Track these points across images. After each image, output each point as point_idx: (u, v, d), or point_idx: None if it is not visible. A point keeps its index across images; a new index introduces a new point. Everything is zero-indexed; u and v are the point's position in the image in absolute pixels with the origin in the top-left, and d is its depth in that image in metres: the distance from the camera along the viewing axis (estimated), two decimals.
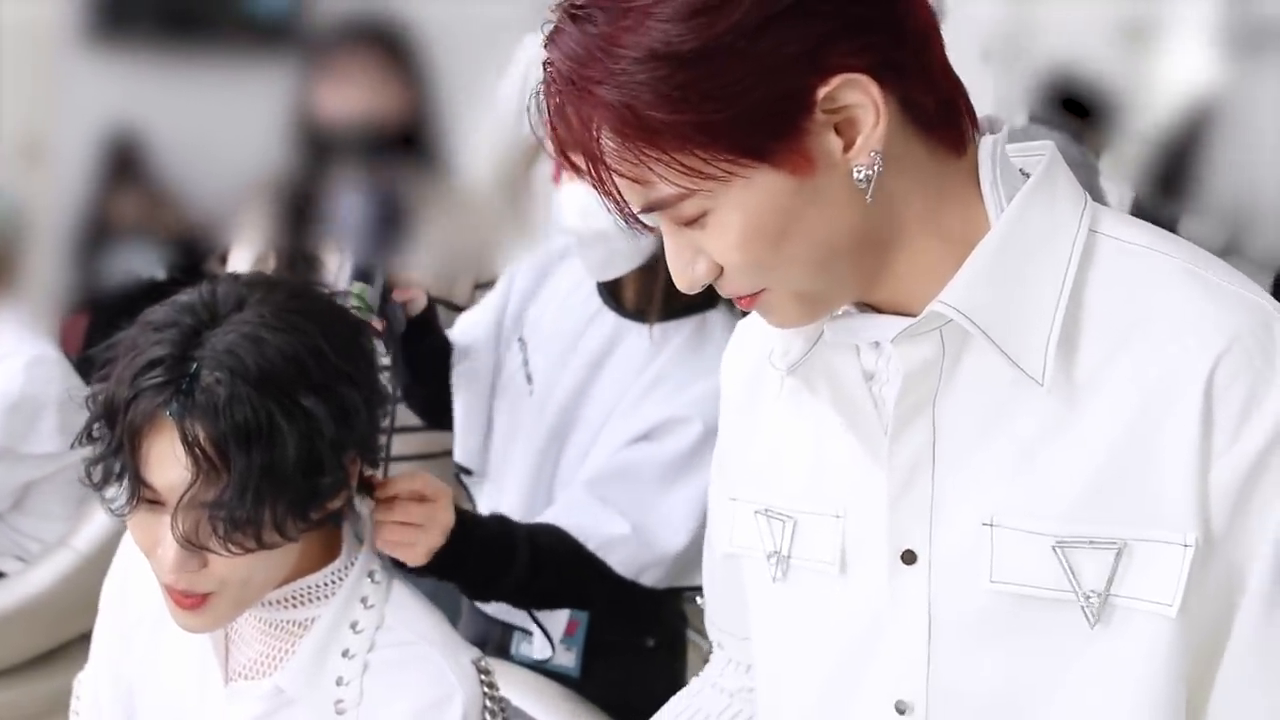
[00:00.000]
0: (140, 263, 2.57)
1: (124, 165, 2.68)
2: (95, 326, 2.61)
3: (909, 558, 0.99)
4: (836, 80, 0.91)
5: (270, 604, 1.28)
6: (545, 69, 0.92)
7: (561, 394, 1.66)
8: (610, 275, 1.62)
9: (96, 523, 2.28)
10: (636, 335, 1.63)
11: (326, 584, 1.28)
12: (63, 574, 2.26)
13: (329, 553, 1.29)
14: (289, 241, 1.94)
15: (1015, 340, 0.97)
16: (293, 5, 2.81)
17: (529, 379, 1.68)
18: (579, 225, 1.59)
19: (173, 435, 1.15)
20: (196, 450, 1.14)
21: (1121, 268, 0.98)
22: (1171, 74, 2.76)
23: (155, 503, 1.18)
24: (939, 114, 0.97)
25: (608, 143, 0.92)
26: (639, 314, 1.63)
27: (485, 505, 1.75)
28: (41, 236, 2.41)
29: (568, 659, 1.77)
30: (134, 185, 2.67)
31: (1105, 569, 0.95)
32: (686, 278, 0.95)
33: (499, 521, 1.58)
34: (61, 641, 2.28)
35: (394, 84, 1.89)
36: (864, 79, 0.91)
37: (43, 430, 2.29)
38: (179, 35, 2.95)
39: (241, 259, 2.01)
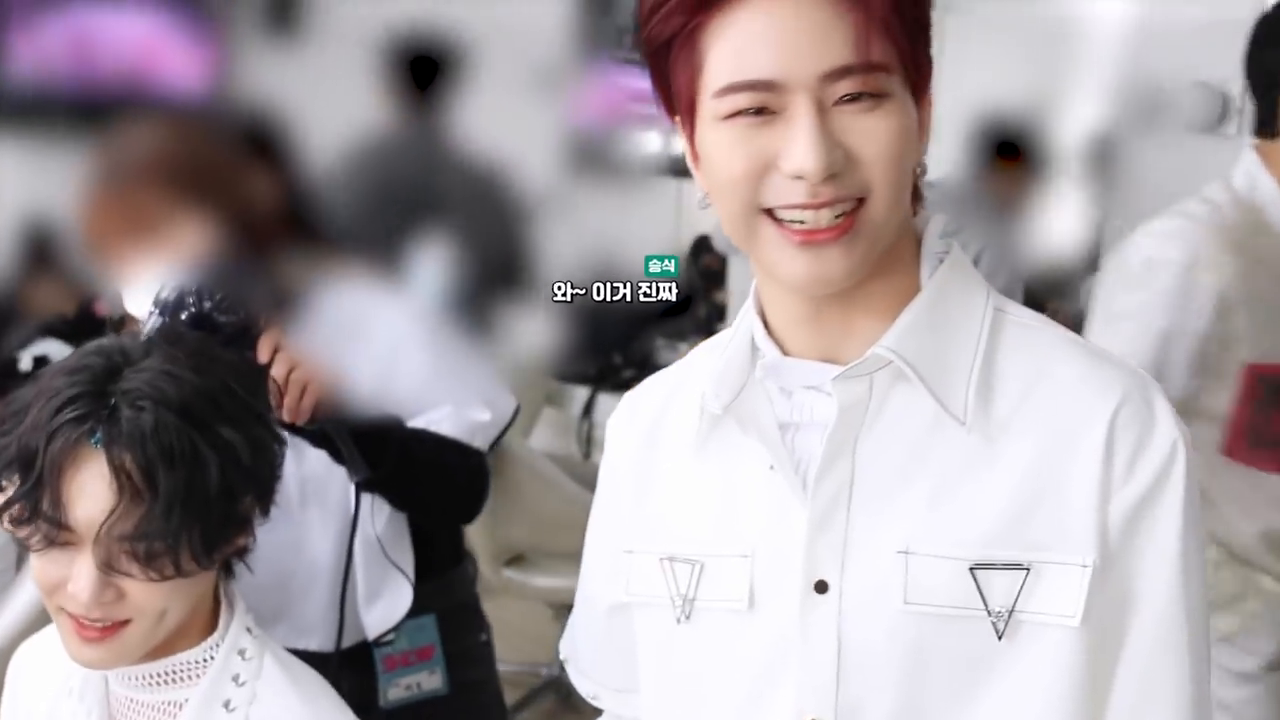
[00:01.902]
0: (54, 351, 2.56)
1: (39, 254, 2.67)
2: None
3: (821, 587, 1.10)
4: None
5: (148, 682, 1.29)
6: None
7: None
8: None
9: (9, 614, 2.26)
10: None
11: (199, 661, 1.30)
12: None
13: (208, 628, 1.31)
14: None
15: (941, 384, 1.11)
16: (205, 95, 2.82)
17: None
18: None
19: (94, 467, 1.19)
20: (123, 476, 1.18)
21: (1023, 337, 1.15)
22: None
23: (67, 544, 1.20)
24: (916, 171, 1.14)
25: None
26: None
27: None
28: None
29: (434, 681, 1.87)
30: (48, 274, 2.66)
31: (1014, 588, 1.08)
32: (825, 159, 1.05)
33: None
34: None
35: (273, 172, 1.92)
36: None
37: None
38: (94, 122, 2.95)
39: None
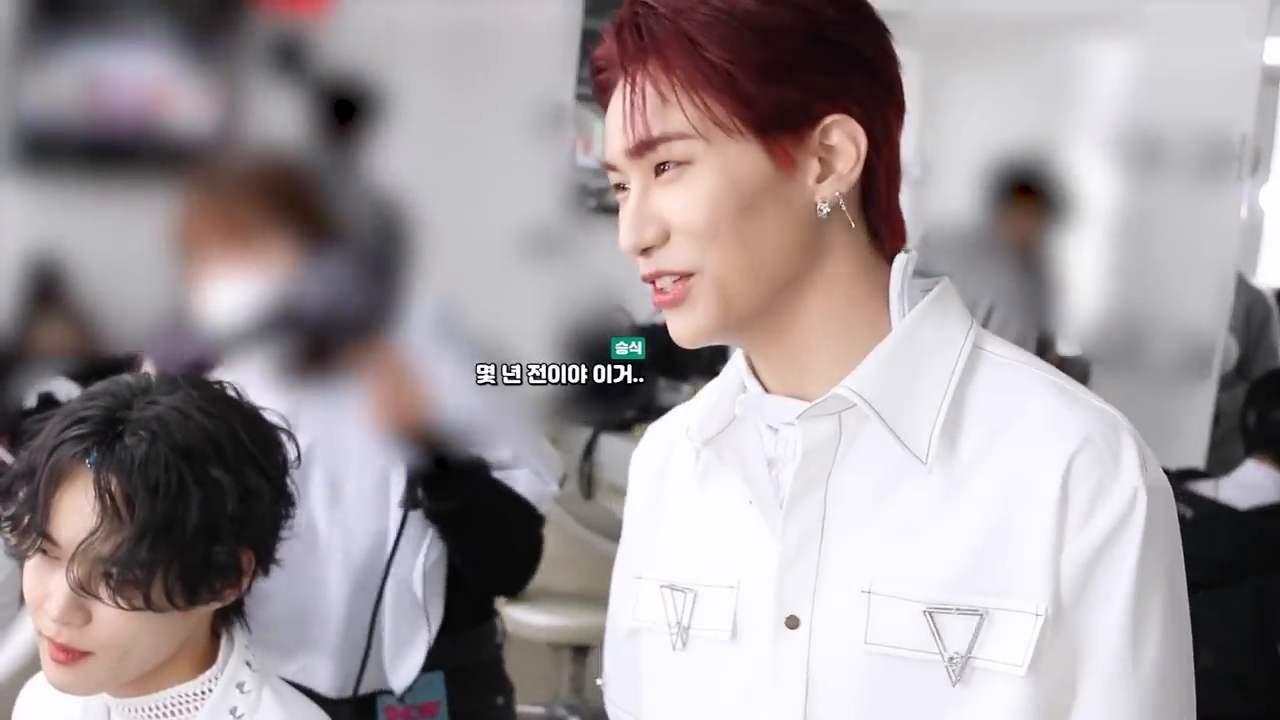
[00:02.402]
0: (61, 390, 2.57)
1: (46, 293, 2.68)
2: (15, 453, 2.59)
3: (792, 622, 1.10)
4: (838, 116, 1.08)
5: (147, 714, 1.30)
6: None
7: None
8: None
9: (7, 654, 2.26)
10: None
11: (198, 694, 1.32)
12: None
13: (205, 663, 1.32)
14: None
15: (905, 426, 1.10)
16: (215, 134, 2.84)
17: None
18: None
19: (85, 486, 1.22)
20: (106, 497, 1.20)
21: (998, 376, 1.12)
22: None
23: (54, 557, 1.23)
24: (888, 216, 1.13)
25: (655, 65, 1.07)
26: None
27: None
28: None
29: None
30: (56, 313, 2.67)
31: (968, 633, 1.07)
32: (635, 237, 1.08)
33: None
34: None
35: None
36: (858, 127, 1.09)
37: None
38: (103, 163, 2.97)
39: None
